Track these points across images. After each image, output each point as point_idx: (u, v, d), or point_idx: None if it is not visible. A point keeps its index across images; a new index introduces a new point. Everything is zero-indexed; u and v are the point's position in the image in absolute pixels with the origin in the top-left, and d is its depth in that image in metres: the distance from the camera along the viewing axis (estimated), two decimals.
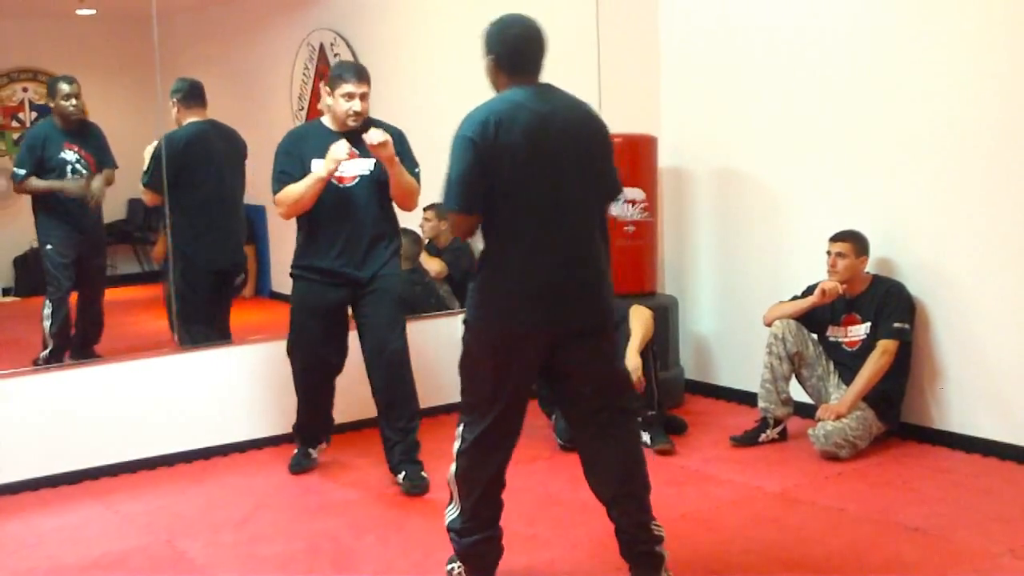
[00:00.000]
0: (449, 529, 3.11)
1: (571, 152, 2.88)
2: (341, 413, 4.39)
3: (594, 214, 2.97)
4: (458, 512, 3.06)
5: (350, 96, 3.91)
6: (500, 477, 3.05)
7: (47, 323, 4.92)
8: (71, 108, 4.95)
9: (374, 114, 4.07)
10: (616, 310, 4.54)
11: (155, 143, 4.80)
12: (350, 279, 4.00)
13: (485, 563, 3.11)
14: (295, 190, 3.92)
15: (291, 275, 4.14)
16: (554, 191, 2.85)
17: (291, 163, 3.97)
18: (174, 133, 4.86)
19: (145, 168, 4.80)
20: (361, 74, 3.98)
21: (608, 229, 3.05)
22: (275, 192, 3.98)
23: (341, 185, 3.96)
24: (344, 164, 3.89)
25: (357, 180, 3.97)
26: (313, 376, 4.18)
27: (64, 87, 4.98)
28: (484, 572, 3.12)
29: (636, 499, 3.01)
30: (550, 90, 2.94)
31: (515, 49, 2.92)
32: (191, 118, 4.90)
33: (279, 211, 4.01)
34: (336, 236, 3.98)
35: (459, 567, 3.13)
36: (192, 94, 4.92)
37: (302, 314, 4.12)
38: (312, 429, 4.31)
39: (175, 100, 4.89)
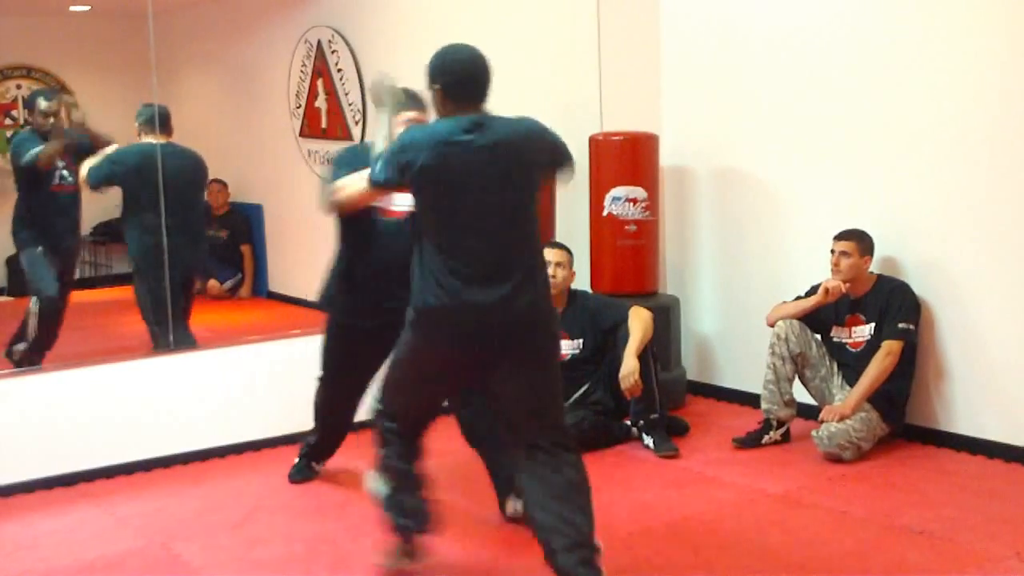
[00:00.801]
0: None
1: (506, 178, 2.91)
2: None
3: (531, 234, 3.00)
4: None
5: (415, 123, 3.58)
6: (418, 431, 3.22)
7: (33, 320, 4.90)
8: (48, 126, 4.91)
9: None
10: (618, 309, 4.59)
11: (114, 147, 4.88)
12: (391, 311, 3.86)
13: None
14: (353, 187, 3.41)
15: (324, 308, 3.91)
16: (485, 215, 2.91)
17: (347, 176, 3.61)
18: (126, 149, 4.95)
19: (96, 164, 4.84)
20: (422, 104, 3.66)
21: (540, 241, 3.08)
22: (329, 183, 3.56)
23: (387, 219, 3.72)
24: (396, 196, 3.61)
25: (404, 216, 3.62)
26: (340, 408, 4.06)
27: (42, 103, 4.93)
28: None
29: (576, 528, 2.92)
30: (491, 120, 2.96)
31: (461, 78, 2.96)
32: (146, 140, 4.97)
33: (329, 200, 3.50)
34: (377, 270, 3.77)
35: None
36: (150, 121, 4.97)
37: (339, 349, 3.92)
38: (323, 449, 4.23)
39: (137, 124, 4.98)
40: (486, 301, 2.90)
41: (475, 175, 2.89)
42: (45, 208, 4.98)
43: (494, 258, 2.92)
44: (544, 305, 3.03)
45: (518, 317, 2.94)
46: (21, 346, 4.87)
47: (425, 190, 2.92)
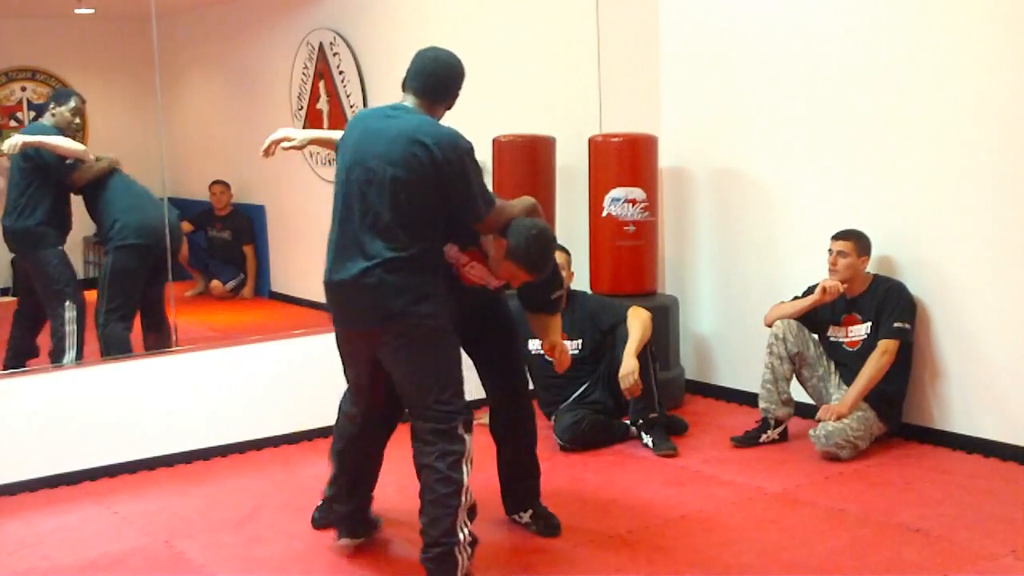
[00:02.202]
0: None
1: (380, 168, 3.01)
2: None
3: (403, 230, 3.00)
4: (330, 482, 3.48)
5: None
6: (364, 448, 3.38)
7: (72, 327, 4.68)
8: (76, 125, 4.84)
9: None
10: (617, 310, 4.60)
11: None
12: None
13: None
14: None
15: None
16: (356, 200, 3.05)
17: None
18: None
19: None
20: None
21: (436, 251, 3.12)
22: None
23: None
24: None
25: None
26: None
27: (73, 102, 4.83)
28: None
29: (423, 529, 3.08)
30: (398, 111, 3.13)
31: (409, 71, 3.20)
32: None
33: None
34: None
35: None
36: None
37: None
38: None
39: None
40: (342, 278, 3.05)
41: (365, 153, 3.05)
42: (67, 205, 4.77)
43: (361, 235, 3.01)
44: (401, 286, 3.00)
45: (372, 296, 3.01)
46: (71, 356, 4.60)
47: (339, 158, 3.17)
